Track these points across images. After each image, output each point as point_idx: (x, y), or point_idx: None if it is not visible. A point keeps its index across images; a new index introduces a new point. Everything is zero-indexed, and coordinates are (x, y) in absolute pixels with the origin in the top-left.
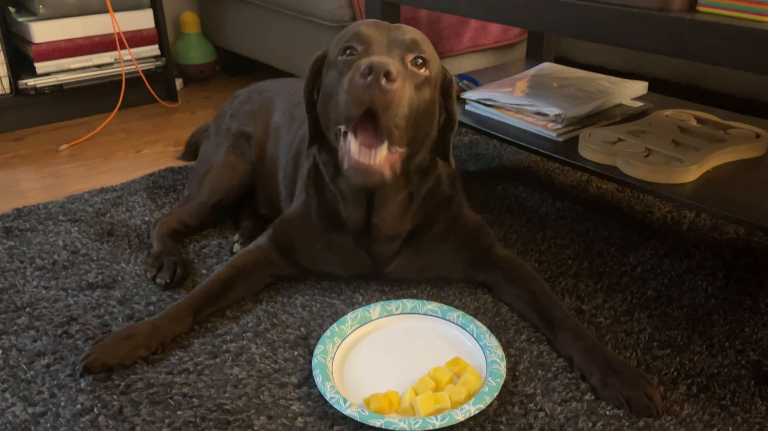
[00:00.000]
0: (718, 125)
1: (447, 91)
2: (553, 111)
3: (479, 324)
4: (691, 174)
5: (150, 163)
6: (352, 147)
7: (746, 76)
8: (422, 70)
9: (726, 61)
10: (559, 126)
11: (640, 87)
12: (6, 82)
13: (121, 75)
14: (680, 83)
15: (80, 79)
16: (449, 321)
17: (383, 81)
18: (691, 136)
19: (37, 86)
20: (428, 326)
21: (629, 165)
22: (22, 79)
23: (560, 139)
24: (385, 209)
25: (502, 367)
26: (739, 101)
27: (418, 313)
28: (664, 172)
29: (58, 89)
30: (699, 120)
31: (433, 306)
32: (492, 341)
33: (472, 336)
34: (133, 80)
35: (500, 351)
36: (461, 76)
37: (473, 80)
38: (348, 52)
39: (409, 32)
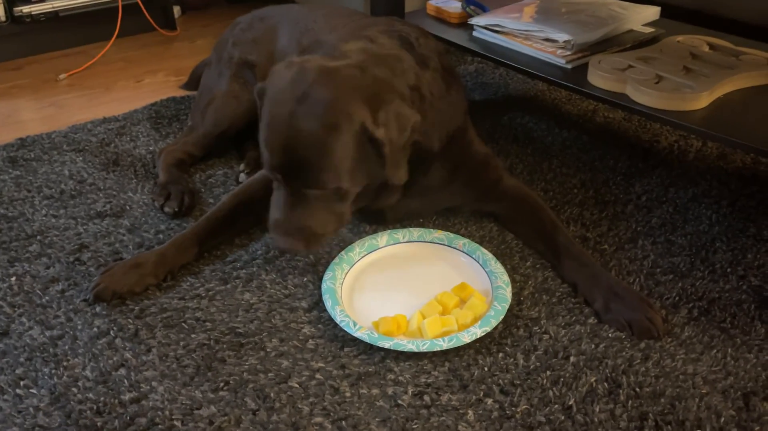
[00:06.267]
0: (730, 51)
1: (375, 147)
2: (562, 37)
3: (485, 251)
4: (701, 101)
5: (151, 93)
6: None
7: (761, 1)
8: (325, 190)
9: None
10: (569, 52)
11: (652, 12)
12: (1, 10)
13: (117, 1)
14: (691, 9)
15: (76, 5)
16: (455, 248)
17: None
18: (702, 63)
19: (33, 13)
20: (435, 253)
21: (639, 92)
22: (17, 6)
23: (569, 66)
24: None
25: (507, 292)
26: (753, 28)
27: (425, 241)
28: (675, 98)
29: (53, 16)
30: (711, 46)
31: (439, 234)
32: (497, 267)
33: (478, 262)
34: (130, 7)
35: (506, 277)
36: (468, 1)
37: (480, 5)
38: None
39: (303, 149)
